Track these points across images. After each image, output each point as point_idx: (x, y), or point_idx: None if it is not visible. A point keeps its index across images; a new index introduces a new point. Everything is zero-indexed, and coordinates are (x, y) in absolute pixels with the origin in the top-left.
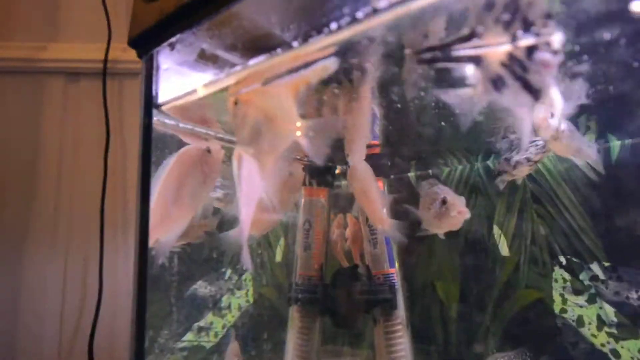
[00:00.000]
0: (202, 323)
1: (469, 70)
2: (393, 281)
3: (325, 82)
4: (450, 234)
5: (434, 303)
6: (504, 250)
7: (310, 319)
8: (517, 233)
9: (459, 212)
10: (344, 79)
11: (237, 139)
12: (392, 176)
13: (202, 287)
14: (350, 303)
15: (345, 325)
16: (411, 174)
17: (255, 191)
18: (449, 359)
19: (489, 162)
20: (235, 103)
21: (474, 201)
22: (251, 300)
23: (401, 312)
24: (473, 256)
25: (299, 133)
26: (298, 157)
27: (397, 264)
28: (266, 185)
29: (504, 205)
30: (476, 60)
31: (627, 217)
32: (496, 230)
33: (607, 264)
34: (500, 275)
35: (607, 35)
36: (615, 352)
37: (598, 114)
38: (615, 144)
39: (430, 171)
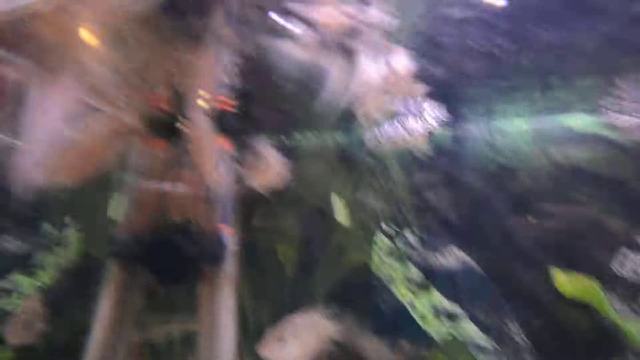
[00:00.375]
0: (5, 284)
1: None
2: (225, 238)
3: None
4: (288, 198)
5: (270, 263)
6: (340, 216)
7: (133, 275)
8: (352, 201)
9: (277, 172)
10: (184, 31)
11: (30, 61)
12: (232, 135)
13: (7, 243)
14: (179, 259)
15: (174, 281)
16: (254, 135)
17: (50, 124)
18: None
19: (345, 133)
20: (36, 23)
21: (316, 168)
22: (72, 257)
23: (230, 268)
24: (310, 221)
25: (102, 64)
26: (128, 105)
27: (233, 223)
28: (68, 119)
29: (343, 175)
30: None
31: (437, 194)
32: (334, 197)
33: (416, 232)
34: (334, 239)
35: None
36: (413, 305)
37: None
38: (441, 131)
39: (272, 135)
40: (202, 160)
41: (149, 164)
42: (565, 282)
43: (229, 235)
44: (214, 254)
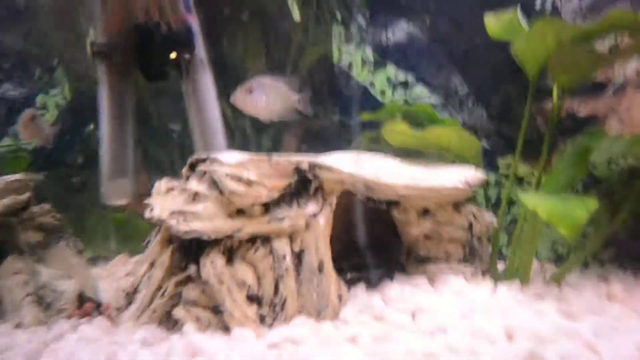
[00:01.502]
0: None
1: None
2: (190, 26)
3: None
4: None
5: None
6: (296, 15)
7: (118, 74)
8: None
9: None
10: None
11: None
12: None
13: (10, 90)
14: (154, 52)
15: (156, 74)
16: None
17: None
18: None
19: None
20: None
21: None
22: (68, 96)
23: (201, 53)
24: (268, 21)
25: None
26: None
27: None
28: None
29: None
30: None
31: None
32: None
33: (367, 13)
34: (294, 37)
35: None
36: (372, 84)
37: None
38: None
39: None
40: None
41: None
42: (493, 23)
43: (194, 23)
44: (184, 39)
